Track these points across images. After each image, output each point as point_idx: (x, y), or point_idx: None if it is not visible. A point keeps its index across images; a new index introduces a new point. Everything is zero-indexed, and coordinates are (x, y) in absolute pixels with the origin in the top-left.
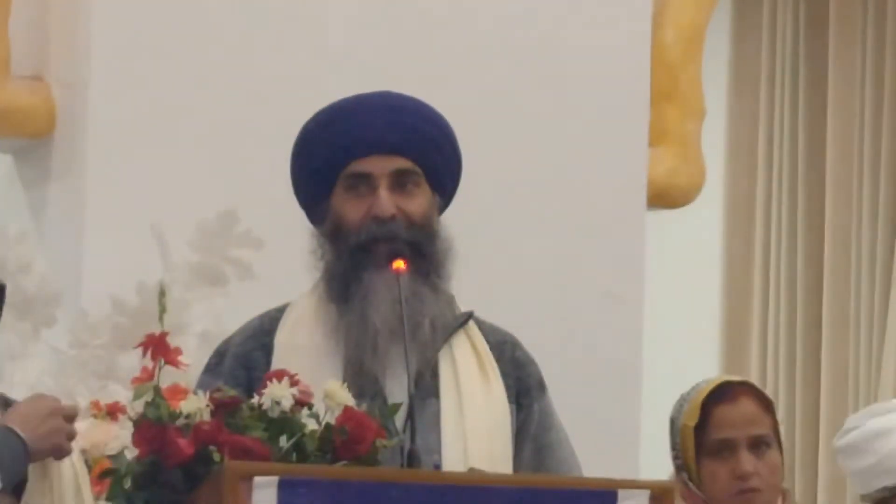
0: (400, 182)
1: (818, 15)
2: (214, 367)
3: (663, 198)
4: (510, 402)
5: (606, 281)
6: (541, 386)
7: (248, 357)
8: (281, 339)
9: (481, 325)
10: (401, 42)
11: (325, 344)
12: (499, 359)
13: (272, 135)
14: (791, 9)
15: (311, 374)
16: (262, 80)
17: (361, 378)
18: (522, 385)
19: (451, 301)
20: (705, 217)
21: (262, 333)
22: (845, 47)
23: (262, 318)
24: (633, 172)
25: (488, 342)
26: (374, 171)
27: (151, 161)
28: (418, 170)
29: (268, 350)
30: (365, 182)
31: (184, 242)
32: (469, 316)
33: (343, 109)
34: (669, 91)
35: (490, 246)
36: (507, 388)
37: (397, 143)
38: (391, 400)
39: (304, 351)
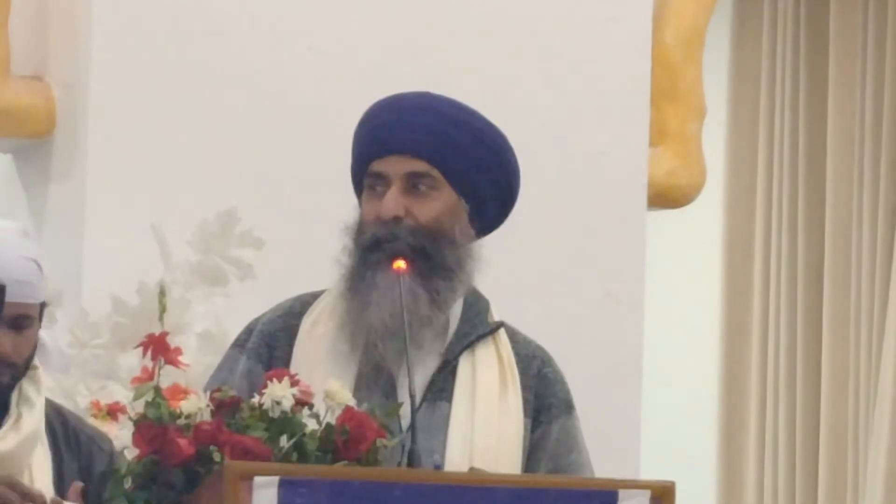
0: (413, 184)
1: (818, 15)
2: (243, 342)
3: (663, 198)
4: (526, 416)
5: (606, 281)
6: (567, 406)
7: (272, 336)
8: (305, 325)
9: (514, 337)
10: (399, 42)
11: (338, 336)
12: (524, 372)
13: (272, 135)
14: (791, 9)
15: (328, 364)
16: (262, 81)
17: (375, 374)
18: (543, 402)
19: (484, 308)
20: (705, 217)
21: (291, 315)
22: (845, 47)
23: (295, 300)
24: (634, 172)
25: (517, 354)
26: (388, 171)
27: (151, 161)
28: (435, 173)
29: (292, 332)
30: (381, 182)
31: (184, 242)
32: (498, 326)
33: (375, 108)
34: (669, 91)
35: (489, 246)
36: (526, 401)
37: (413, 144)
38: (402, 397)
39: (323, 341)
